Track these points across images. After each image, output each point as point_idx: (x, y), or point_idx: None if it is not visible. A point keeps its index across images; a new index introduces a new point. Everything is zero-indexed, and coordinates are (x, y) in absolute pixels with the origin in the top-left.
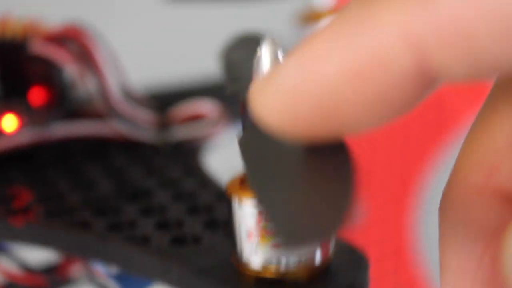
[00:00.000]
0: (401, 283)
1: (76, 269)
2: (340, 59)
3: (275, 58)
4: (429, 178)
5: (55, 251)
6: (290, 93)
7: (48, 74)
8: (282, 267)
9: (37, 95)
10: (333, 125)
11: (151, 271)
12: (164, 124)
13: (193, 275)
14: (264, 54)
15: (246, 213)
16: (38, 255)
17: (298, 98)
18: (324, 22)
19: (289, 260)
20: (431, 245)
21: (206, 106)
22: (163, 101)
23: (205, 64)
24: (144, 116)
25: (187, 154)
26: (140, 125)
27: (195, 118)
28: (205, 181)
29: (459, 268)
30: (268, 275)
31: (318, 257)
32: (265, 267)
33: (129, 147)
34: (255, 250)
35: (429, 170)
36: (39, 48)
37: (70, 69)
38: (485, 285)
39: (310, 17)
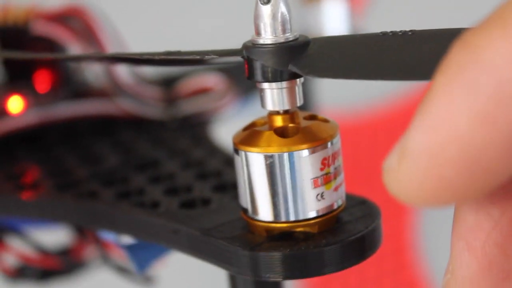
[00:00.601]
0: (401, 283)
1: (90, 251)
2: (465, 105)
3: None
4: None
5: (66, 224)
6: (427, 157)
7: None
8: (292, 218)
9: (42, 76)
10: (479, 179)
11: (161, 235)
12: (170, 99)
13: (201, 234)
14: None
15: (254, 166)
16: (52, 237)
17: (437, 160)
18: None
19: (298, 211)
20: (431, 245)
21: (212, 80)
22: (169, 76)
23: (210, 37)
24: (150, 92)
25: (195, 127)
26: (146, 101)
27: (202, 92)
28: (213, 150)
29: (474, 224)
30: (278, 227)
31: (329, 206)
32: (275, 219)
33: (136, 124)
34: (265, 202)
35: None
36: (41, 28)
37: (74, 48)
38: (497, 246)
39: None
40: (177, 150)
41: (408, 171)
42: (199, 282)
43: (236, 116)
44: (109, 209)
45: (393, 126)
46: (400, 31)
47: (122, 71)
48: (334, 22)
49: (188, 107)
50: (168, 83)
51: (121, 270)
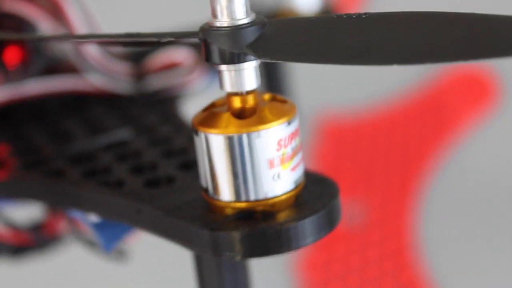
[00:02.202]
0: (401, 283)
1: (62, 226)
2: None
3: None
4: (429, 178)
5: (37, 206)
6: None
7: (21, 31)
8: (251, 198)
9: (11, 53)
10: None
11: (125, 214)
12: (140, 75)
13: (163, 214)
14: None
15: (214, 147)
16: (24, 213)
17: None
18: None
19: (257, 190)
20: (431, 245)
21: (181, 55)
22: (138, 51)
23: (179, 13)
24: (120, 68)
25: (164, 102)
26: (115, 76)
27: (171, 67)
28: (180, 126)
29: None
30: (238, 206)
31: (287, 186)
32: (235, 199)
33: (105, 100)
34: (224, 183)
35: (429, 170)
36: (10, 5)
37: (44, 25)
38: None
39: None
40: (145, 127)
41: None
42: (169, 256)
43: (205, 91)
44: (75, 188)
45: (393, 126)
46: (355, 14)
47: (91, 47)
48: None
49: (157, 82)
50: (137, 58)
51: (92, 244)
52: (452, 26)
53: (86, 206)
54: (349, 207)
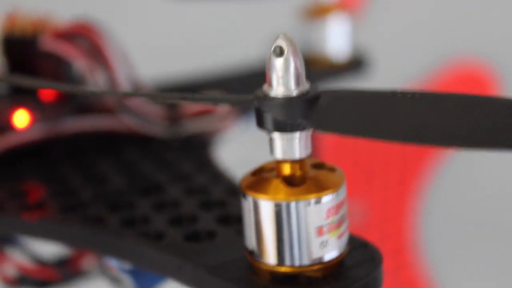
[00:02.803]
0: (401, 283)
1: (88, 262)
2: None
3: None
4: (429, 178)
5: (69, 247)
6: None
7: (58, 70)
8: (297, 263)
9: (48, 91)
10: None
11: (165, 267)
12: (174, 118)
13: (206, 272)
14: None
15: (262, 212)
16: (50, 248)
17: None
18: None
19: (303, 256)
20: (431, 245)
21: None
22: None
23: (213, 58)
24: (154, 111)
25: (198, 148)
26: (150, 119)
27: (205, 112)
28: (216, 175)
29: None
30: (283, 271)
31: (333, 253)
32: (280, 263)
33: (140, 142)
34: (271, 247)
35: (429, 170)
36: (49, 44)
37: (80, 64)
38: None
39: (316, 12)
40: (181, 174)
41: None
42: None
43: (239, 137)
44: (115, 238)
45: None
46: (409, 92)
47: (127, 87)
48: (336, 40)
49: (192, 127)
50: (172, 102)
51: (118, 282)
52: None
53: (125, 256)
54: (349, 207)
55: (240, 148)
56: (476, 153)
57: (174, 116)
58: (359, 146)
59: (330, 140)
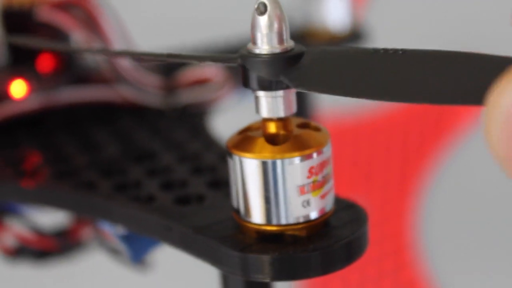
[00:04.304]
0: (401, 283)
1: (86, 233)
2: None
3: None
4: (429, 178)
5: (63, 212)
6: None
7: (55, 40)
8: (282, 222)
9: (44, 61)
10: None
11: (154, 230)
12: (170, 89)
13: (193, 232)
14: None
15: (247, 170)
16: (49, 219)
17: None
18: None
19: (287, 215)
20: (431, 245)
21: (211, 70)
22: (169, 65)
23: (212, 32)
24: (150, 81)
25: (193, 117)
26: (146, 89)
27: (201, 82)
28: (209, 142)
29: None
30: (268, 229)
31: (316, 213)
32: (265, 222)
33: (135, 112)
34: (256, 206)
35: (429, 170)
36: (46, 15)
37: (77, 35)
38: None
39: None
40: (175, 142)
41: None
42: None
43: (234, 106)
44: (105, 201)
45: (393, 126)
46: (392, 49)
47: (123, 59)
48: (335, 13)
49: (187, 97)
50: (167, 71)
51: (116, 252)
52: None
53: (116, 219)
54: None
55: (235, 118)
56: (476, 153)
57: (169, 86)
58: (359, 145)
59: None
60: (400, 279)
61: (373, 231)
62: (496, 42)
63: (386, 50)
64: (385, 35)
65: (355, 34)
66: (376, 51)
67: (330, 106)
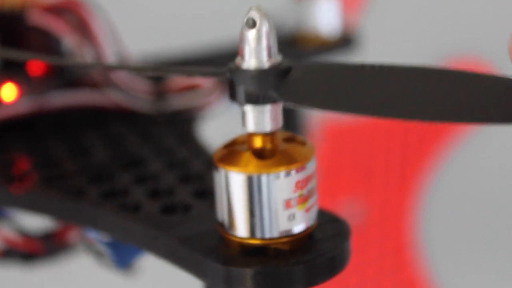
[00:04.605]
0: (401, 282)
1: (73, 236)
2: None
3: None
4: (429, 178)
5: (50, 218)
6: None
7: (46, 44)
8: (266, 236)
9: (35, 65)
10: None
11: (140, 239)
12: (160, 94)
13: (178, 243)
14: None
15: (233, 184)
16: (36, 222)
17: None
18: None
19: (272, 229)
20: (431, 245)
21: (201, 77)
22: None
23: (201, 35)
24: (140, 86)
25: (182, 123)
26: (136, 94)
27: (191, 88)
28: (198, 149)
29: None
30: (252, 243)
31: (301, 227)
32: (249, 236)
33: (125, 116)
34: (241, 219)
35: (429, 170)
36: (37, 19)
37: (68, 39)
38: None
39: None
40: (164, 148)
41: None
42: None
43: (224, 113)
44: (92, 209)
45: (392, 126)
46: (378, 65)
47: (114, 63)
48: (327, 18)
49: (177, 103)
50: (158, 77)
51: (101, 255)
52: (471, 87)
53: (102, 227)
54: (349, 207)
55: (224, 124)
56: (476, 153)
57: (159, 91)
58: (359, 146)
59: (330, 140)
60: (400, 279)
61: (373, 231)
62: (488, 48)
63: (373, 67)
64: (377, 41)
65: (346, 39)
66: (363, 67)
67: None
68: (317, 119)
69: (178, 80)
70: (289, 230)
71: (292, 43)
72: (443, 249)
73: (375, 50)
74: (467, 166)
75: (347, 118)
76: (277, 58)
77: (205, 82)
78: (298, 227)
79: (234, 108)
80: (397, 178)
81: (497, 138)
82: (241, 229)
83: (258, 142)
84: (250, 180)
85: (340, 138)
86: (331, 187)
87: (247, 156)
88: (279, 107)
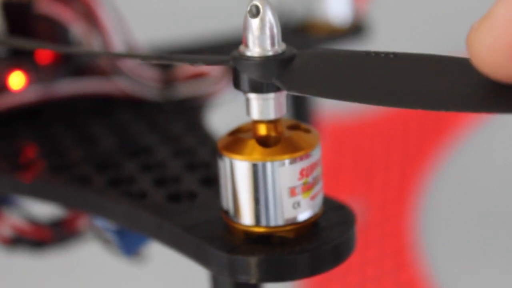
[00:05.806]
0: (401, 283)
1: (82, 224)
2: None
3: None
4: (429, 178)
5: (57, 206)
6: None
7: (54, 32)
8: (270, 224)
9: (43, 53)
10: None
11: (146, 227)
12: (167, 82)
13: (183, 231)
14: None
15: (237, 172)
16: (45, 209)
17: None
18: None
19: (276, 217)
20: (431, 245)
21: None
22: None
23: (209, 23)
24: (148, 74)
25: (189, 111)
26: (144, 82)
27: (198, 76)
28: (204, 137)
29: None
30: (257, 231)
31: (305, 214)
32: (254, 224)
33: (132, 104)
34: (245, 207)
35: (429, 170)
36: (45, 7)
37: (76, 27)
38: None
39: None
40: (170, 136)
41: (485, 30)
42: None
43: (231, 101)
44: (98, 197)
45: (392, 126)
46: (383, 52)
47: (120, 52)
48: (337, 6)
49: (184, 91)
50: (165, 65)
51: (110, 243)
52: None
53: (108, 215)
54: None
55: (232, 112)
56: (476, 153)
57: (167, 79)
58: (359, 146)
59: (330, 140)
60: (400, 279)
61: (373, 231)
62: None
63: (377, 53)
64: (387, 29)
65: (356, 27)
66: (367, 54)
67: (330, 106)
68: (317, 119)
69: (185, 68)
70: (294, 218)
71: (302, 31)
72: (443, 249)
73: (385, 38)
74: (467, 166)
75: (347, 118)
76: (281, 46)
77: (212, 70)
78: (303, 215)
79: (241, 96)
80: (397, 178)
81: (497, 138)
82: (246, 217)
83: (262, 130)
84: (254, 168)
85: (340, 138)
86: (331, 187)
87: (251, 144)
88: (283, 94)
